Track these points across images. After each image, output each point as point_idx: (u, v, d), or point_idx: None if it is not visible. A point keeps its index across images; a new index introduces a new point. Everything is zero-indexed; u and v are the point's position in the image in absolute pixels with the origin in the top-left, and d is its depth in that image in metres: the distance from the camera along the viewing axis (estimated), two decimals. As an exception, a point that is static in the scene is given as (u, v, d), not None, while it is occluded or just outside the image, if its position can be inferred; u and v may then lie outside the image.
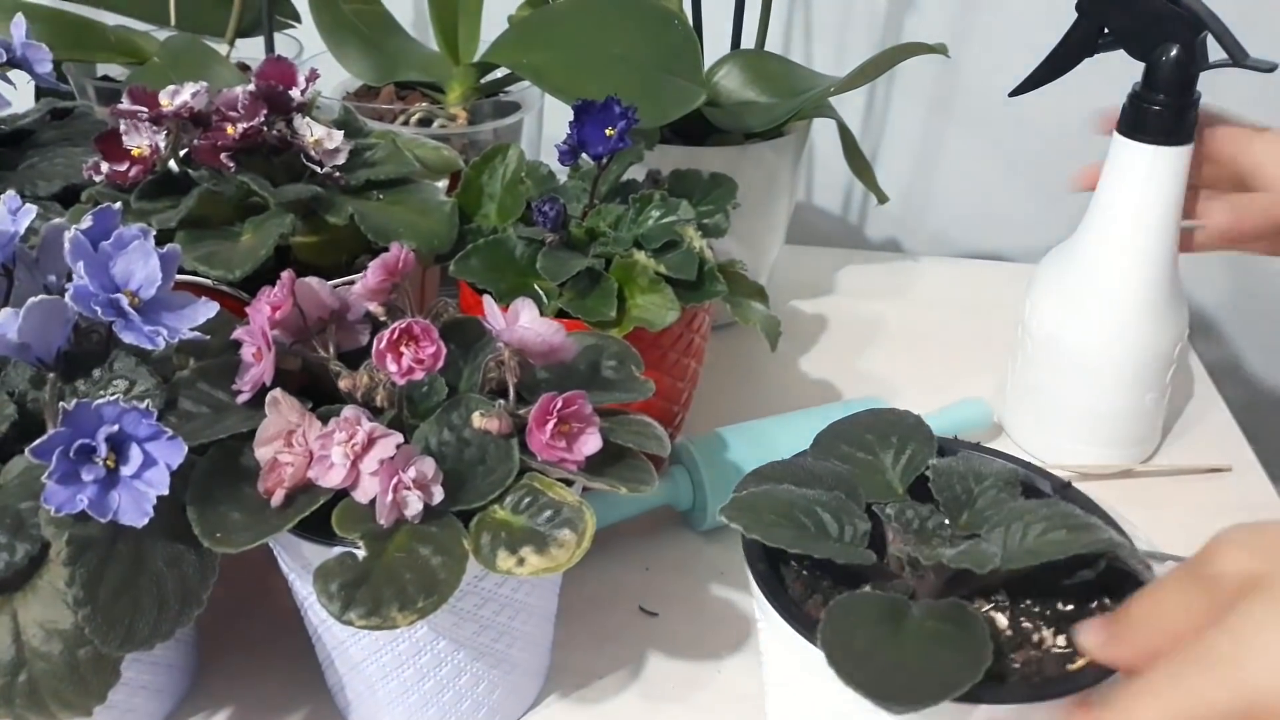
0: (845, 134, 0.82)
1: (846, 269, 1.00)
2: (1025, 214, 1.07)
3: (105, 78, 0.90)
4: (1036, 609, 0.44)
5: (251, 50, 0.91)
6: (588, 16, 0.72)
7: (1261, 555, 0.36)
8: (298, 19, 0.92)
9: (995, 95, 1.00)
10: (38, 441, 0.40)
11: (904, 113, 1.05)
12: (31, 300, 0.43)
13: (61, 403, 0.41)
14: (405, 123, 0.81)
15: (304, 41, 0.92)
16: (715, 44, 0.86)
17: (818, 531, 0.44)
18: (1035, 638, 0.43)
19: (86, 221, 0.46)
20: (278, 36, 0.90)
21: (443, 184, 0.68)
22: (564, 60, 0.71)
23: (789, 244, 0.93)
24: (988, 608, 0.44)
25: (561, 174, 0.68)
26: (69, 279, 0.48)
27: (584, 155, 0.62)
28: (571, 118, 0.61)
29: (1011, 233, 1.08)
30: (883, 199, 0.86)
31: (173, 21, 0.88)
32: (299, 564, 0.46)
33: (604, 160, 0.62)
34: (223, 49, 0.88)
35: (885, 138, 1.07)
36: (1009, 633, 0.43)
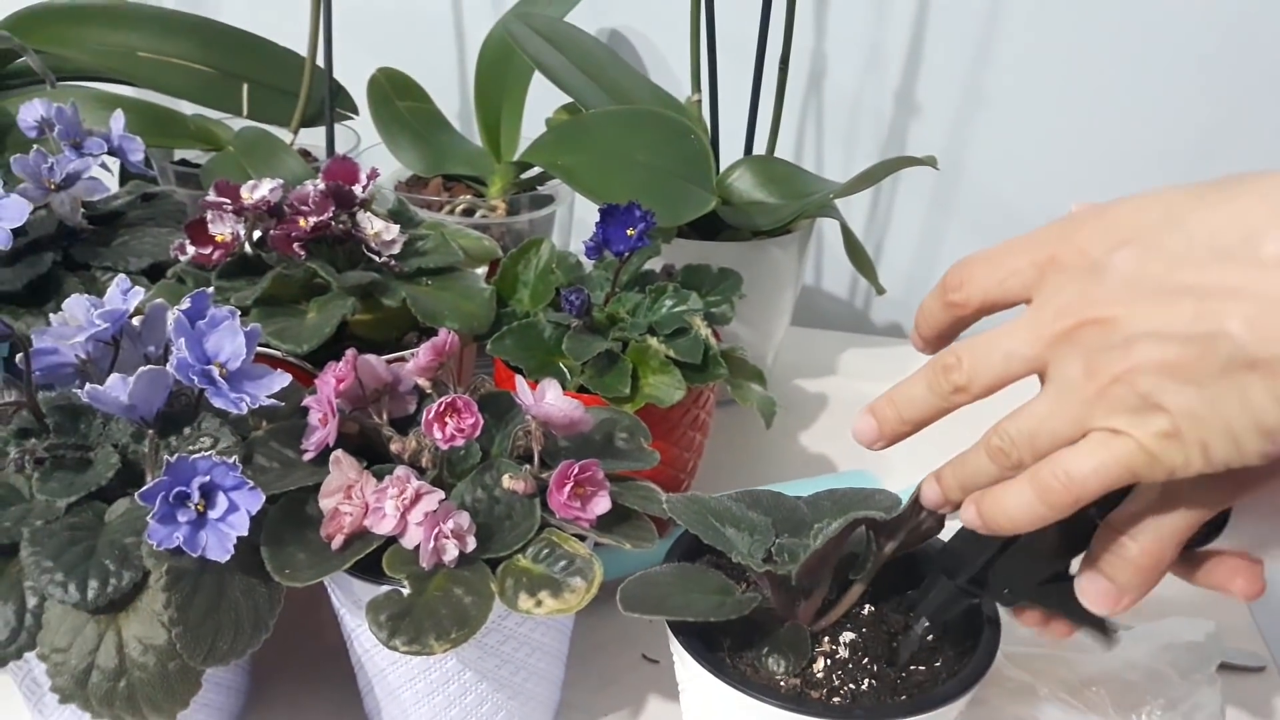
0: (847, 233, 0.91)
1: (849, 351, 1.08)
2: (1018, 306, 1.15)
3: (183, 161, 1.00)
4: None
5: (313, 138, 1.01)
6: (616, 125, 0.81)
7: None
8: (356, 111, 1.02)
9: (993, 193, 1.09)
10: (144, 488, 0.48)
11: (907, 207, 1.13)
12: (141, 369, 0.51)
13: (165, 455, 0.49)
14: (451, 212, 0.90)
15: (360, 132, 1.02)
16: (730, 149, 0.95)
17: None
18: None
19: (185, 303, 0.55)
20: (337, 127, 1.00)
21: (482, 270, 0.76)
22: (593, 163, 0.80)
23: (796, 326, 1.01)
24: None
25: (588, 264, 0.76)
26: (166, 349, 0.57)
27: (607, 251, 0.71)
28: (598, 218, 0.70)
29: (1015, 314, 1.16)
30: (880, 290, 0.94)
31: (244, 112, 0.99)
32: (350, 599, 0.54)
33: (625, 256, 0.71)
34: (287, 137, 0.98)
35: (890, 229, 1.15)
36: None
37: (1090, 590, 0.43)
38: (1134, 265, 0.38)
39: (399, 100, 0.97)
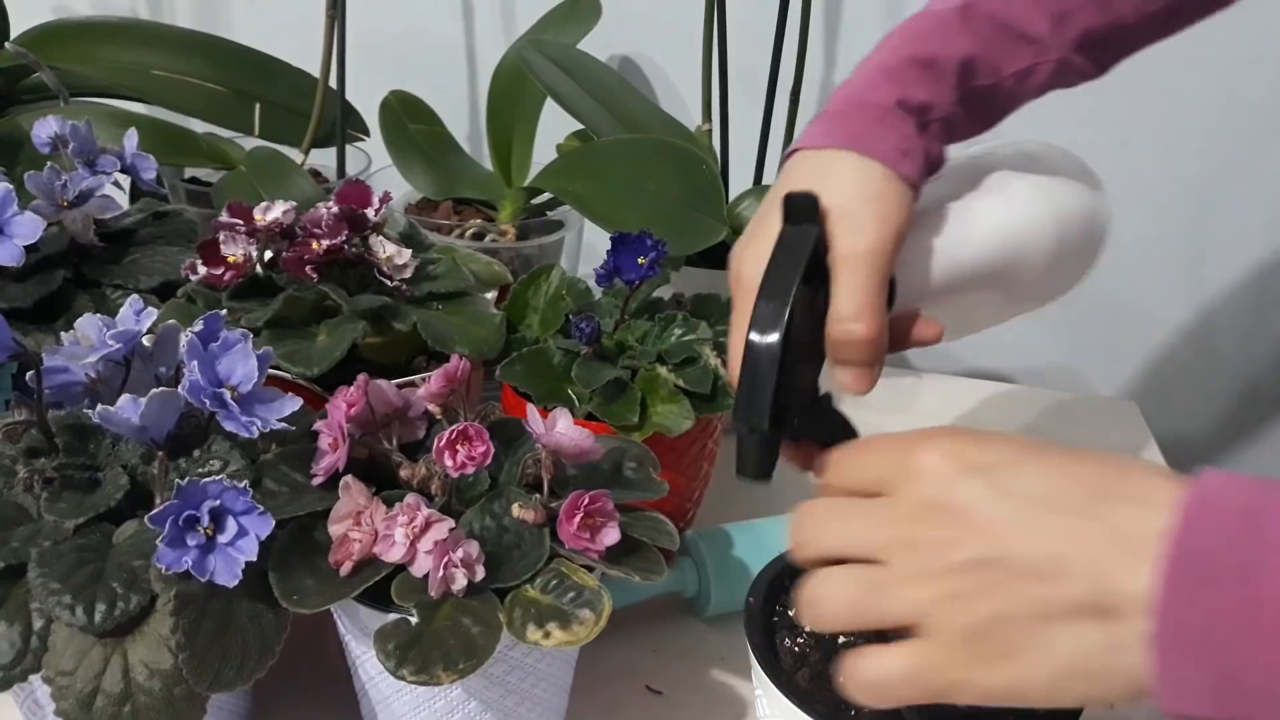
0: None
1: (854, 381, 1.08)
2: (1024, 336, 1.15)
3: (193, 179, 1.01)
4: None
5: (324, 158, 1.02)
6: (628, 154, 0.82)
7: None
8: (367, 133, 1.03)
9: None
10: (154, 511, 0.48)
11: (914, 239, 1.14)
12: (153, 391, 0.51)
13: (176, 479, 0.49)
14: (461, 235, 0.90)
15: (371, 154, 1.02)
16: (740, 178, 0.96)
17: None
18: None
19: (198, 325, 0.55)
20: (348, 149, 1.00)
21: (492, 295, 0.77)
22: (605, 191, 0.80)
23: (801, 356, 1.01)
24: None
25: (597, 291, 0.76)
26: (177, 371, 0.57)
27: (619, 279, 0.71)
28: (609, 245, 0.70)
29: (1011, 354, 1.16)
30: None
31: (256, 131, 0.99)
32: (357, 626, 0.54)
33: (636, 284, 0.71)
34: (298, 157, 0.98)
35: (896, 260, 1.15)
36: None
37: (842, 380, 0.54)
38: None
39: (411, 123, 0.97)
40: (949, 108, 0.56)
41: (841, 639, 0.54)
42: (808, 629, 0.48)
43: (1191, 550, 0.35)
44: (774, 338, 0.48)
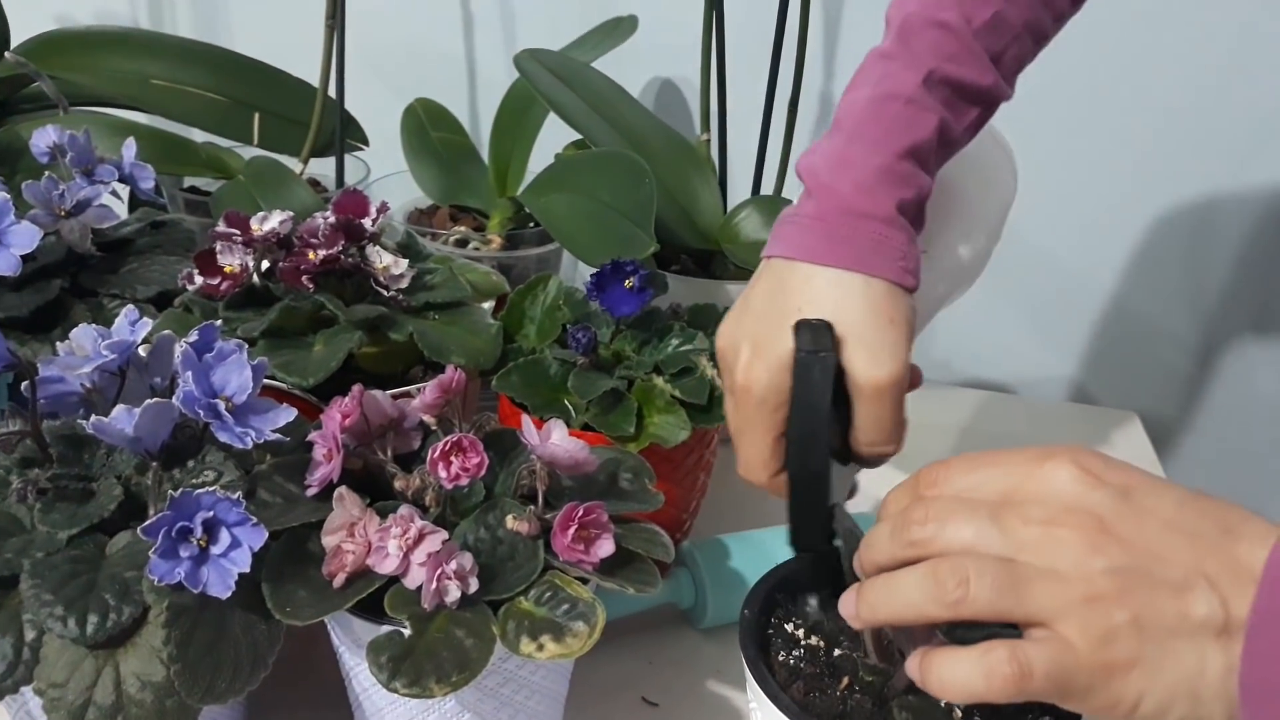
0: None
1: (853, 391, 1.08)
2: (1023, 347, 1.15)
3: (192, 189, 1.01)
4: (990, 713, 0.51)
5: (323, 168, 1.02)
6: (589, 167, 0.83)
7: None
8: (366, 142, 1.03)
9: (1003, 235, 1.09)
10: (147, 522, 0.48)
11: (913, 249, 1.14)
12: (148, 402, 0.51)
13: (169, 490, 0.49)
14: (445, 242, 0.91)
15: (370, 164, 1.02)
16: (739, 188, 0.96)
17: None
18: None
19: (193, 335, 0.55)
20: (347, 158, 1.00)
21: (489, 305, 0.76)
22: (565, 204, 0.81)
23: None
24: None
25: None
26: (172, 381, 0.57)
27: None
28: (592, 286, 0.70)
29: (1009, 364, 1.16)
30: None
31: (255, 141, 0.99)
32: (350, 638, 0.54)
33: (635, 314, 0.71)
34: (297, 167, 0.98)
35: (895, 270, 1.15)
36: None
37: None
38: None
39: (434, 131, 0.98)
40: (930, 183, 0.58)
41: (837, 651, 0.54)
42: (946, 618, 0.41)
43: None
44: (820, 500, 0.53)
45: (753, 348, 0.55)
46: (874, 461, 0.57)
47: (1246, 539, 0.39)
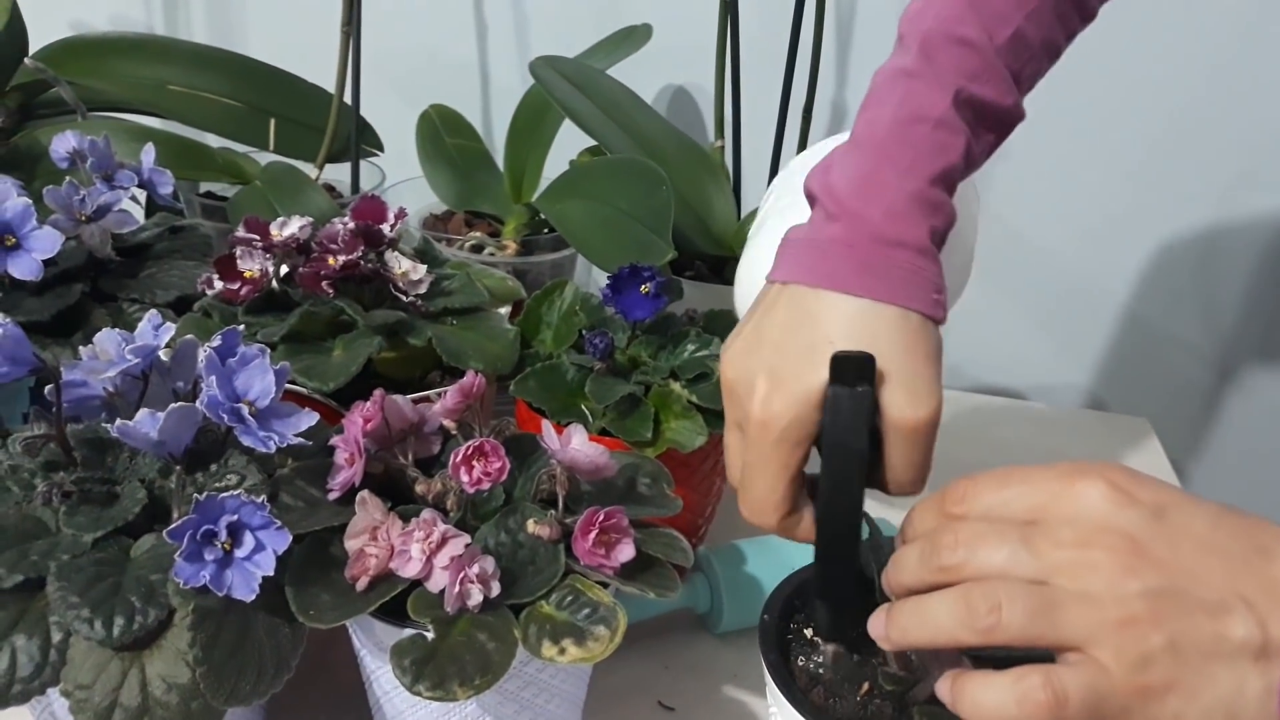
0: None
1: (865, 397, 1.08)
2: (1036, 354, 1.15)
3: (209, 194, 1.01)
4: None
5: (338, 173, 1.02)
6: (605, 173, 0.83)
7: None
8: (381, 148, 1.03)
9: (1011, 242, 1.09)
10: (173, 525, 0.48)
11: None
12: (172, 406, 0.51)
13: (194, 493, 0.49)
14: (460, 248, 0.91)
15: (385, 169, 1.03)
16: (753, 195, 0.96)
17: None
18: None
19: (216, 340, 0.55)
20: (362, 164, 1.01)
21: (506, 310, 0.77)
22: (582, 211, 0.81)
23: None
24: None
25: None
26: (195, 385, 0.57)
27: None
28: (608, 289, 0.70)
29: (1022, 371, 1.16)
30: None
31: (271, 146, 1.00)
32: (372, 641, 0.54)
33: (652, 318, 0.71)
34: (313, 172, 0.99)
35: (907, 276, 1.15)
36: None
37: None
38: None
39: (449, 137, 0.99)
40: (955, 210, 0.55)
41: (856, 657, 0.54)
42: (976, 642, 0.41)
43: None
44: (852, 553, 0.49)
45: (772, 380, 0.51)
46: (902, 497, 0.54)
47: (1278, 558, 0.38)
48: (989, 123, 0.56)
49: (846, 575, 0.50)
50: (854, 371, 0.48)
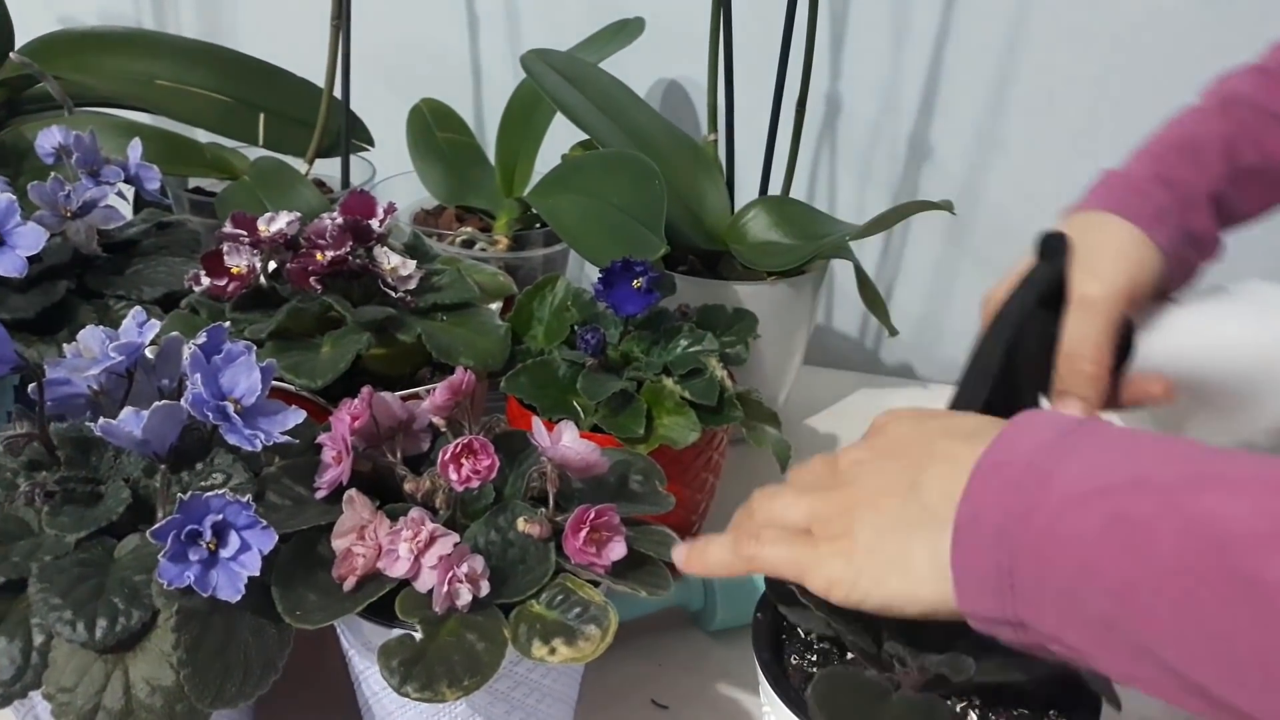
0: (861, 275, 0.90)
1: (860, 392, 1.08)
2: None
3: (197, 189, 1.00)
4: (1004, 713, 0.50)
5: (328, 168, 1.02)
6: (597, 168, 0.82)
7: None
8: (372, 143, 1.02)
9: (1006, 235, 1.08)
10: (157, 525, 0.47)
11: (920, 248, 1.13)
12: (157, 404, 0.51)
13: (179, 493, 0.49)
14: (451, 243, 0.90)
15: (375, 164, 1.02)
16: (746, 188, 0.95)
17: None
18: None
19: (201, 337, 0.54)
20: (352, 159, 1.00)
21: (497, 306, 0.76)
22: (574, 205, 0.80)
23: (807, 364, 1.00)
24: (962, 705, 0.50)
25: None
26: (180, 383, 0.57)
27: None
28: (600, 285, 0.70)
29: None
30: (893, 332, 0.94)
31: (260, 142, 0.99)
32: (360, 641, 0.54)
33: (641, 313, 0.70)
34: (303, 168, 0.98)
35: (902, 270, 1.15)
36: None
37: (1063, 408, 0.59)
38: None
39: (439, 131, 0.98)
40: (1217, 184, 0.63)
41: (849, 654, 0.53)
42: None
43: (995, 464, 0.42)
44: (999, 352, 0.57)
45: (1006, 277, 0.63)
46: (1068, 381, 0.59)
47: (959, 439, 0.45)
48: (1268, 117, 0.65)
49: (982, 382, 0.58)
50: (1047, 247, 0.59)
